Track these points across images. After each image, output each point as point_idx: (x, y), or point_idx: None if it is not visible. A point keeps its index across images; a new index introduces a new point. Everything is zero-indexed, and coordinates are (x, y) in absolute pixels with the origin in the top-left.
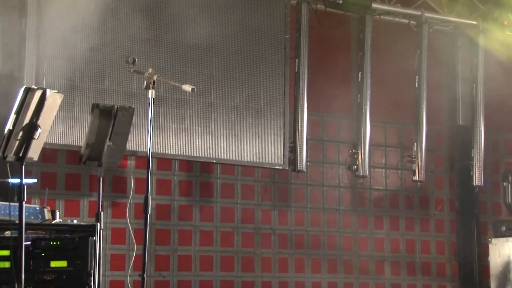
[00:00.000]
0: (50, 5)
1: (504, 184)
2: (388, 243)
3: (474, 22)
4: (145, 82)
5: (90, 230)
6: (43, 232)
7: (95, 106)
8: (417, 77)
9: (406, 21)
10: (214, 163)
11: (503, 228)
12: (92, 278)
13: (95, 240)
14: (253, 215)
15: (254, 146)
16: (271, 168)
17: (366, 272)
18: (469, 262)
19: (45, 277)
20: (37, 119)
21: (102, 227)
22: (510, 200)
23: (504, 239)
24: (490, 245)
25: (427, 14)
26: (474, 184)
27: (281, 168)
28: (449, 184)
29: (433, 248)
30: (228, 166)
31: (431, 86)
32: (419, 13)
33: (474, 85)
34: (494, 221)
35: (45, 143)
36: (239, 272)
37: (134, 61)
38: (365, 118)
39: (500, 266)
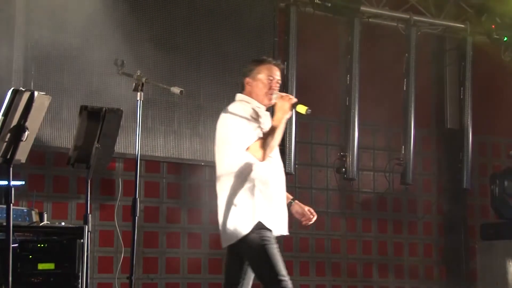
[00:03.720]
0: (38, 6)
1: (492, 187)
2: (376, 245)
3: (462, 26)
4: (134, 84)
5: (78, 232)
6: (31, 235)
7: (83, 108)
8: (405, 80)
9: (395, 24)
10: (203, 165)
11: (491, 231)
12: (80, 281)
13: (83, 242)
14: None
15: None
16: None
17: (354, 275)
18: (457, 265)
19: (32, 279)
20: (25, 121)
21: (90, 230)
22: (497, 203)
23: (492, 242)
24: (477, 248)
25: (415, 17)
26: (462, 187)
27: None
28: (437, 187)
29: (421, 251)
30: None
31: (419, 89)
32: (407, 16)
33: (462, 88)
34: (482, 224)
35: (33, 145)
36: None
37: (122, 63)
38: (354, 121)
39: (487, 269)
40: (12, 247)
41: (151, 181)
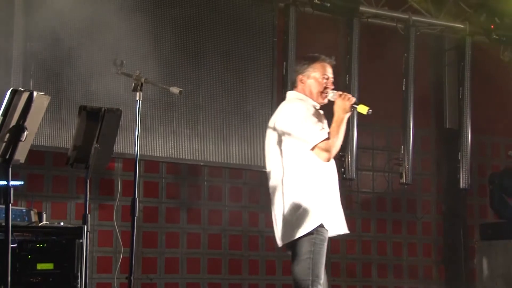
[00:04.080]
0: (37, 6)
1: (491, 187)
2: (375, 245)
3: (461, 26)
4: (133, 84)
5: (77, 232)
6: (30, 235)
7: (82, 108)
8: (404, 80)
9: (394, 24)
10: (202, 165)
11: (490, 231)
12: (79, 281)
13: (81, 242)
14: (240, 217)
15: (242, 148)
16: (258, 170)
17: (353, 274)
18: (456, 265)
19: (31, 279)
20: (24, 121)
21: (89, 230)
22: (496, 203)
23: (491, 241)
24: (476, 248)
25: (414, 17)
26: (461, 187)
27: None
28: (436, 187)
29: (420, 250)
30: (216, 169)
31: (418, 89)
32: (406, 16)
33: (461, 88)
34: (480, 224)
35: (32, 145)
36: (226, 274)
37: (121, 63)
38: (353, 121)
39: (486, 269)
40: (11, 247)
41: (150, 181)
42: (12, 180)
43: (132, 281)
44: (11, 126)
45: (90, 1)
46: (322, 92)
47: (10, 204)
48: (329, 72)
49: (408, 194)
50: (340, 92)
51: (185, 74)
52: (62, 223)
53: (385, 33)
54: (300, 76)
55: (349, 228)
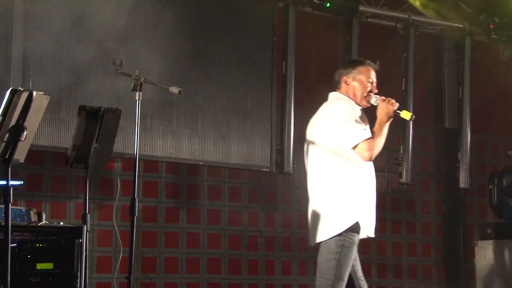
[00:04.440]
0: (36, 6)
1: (490, 187)
2: (375, 245)
3: (461, 25)
4: (132, 84)
5: (76, 232)
6: (29, 234)
7: (81, 108)
8: (403, 80)
9: (393, 24)
10: (201, 165)
11: (489, 231)
12: (79, 280)
13: (81, 242)
14: (240, 217)
15: (241, 148)
16: (258, 170)
17: None
18: (456, 265)
19: (31, 279)
20: (24, 121)
21: (88, 229)
22: (496, 203)
23: (490, 241)
24: (476, 248)
25: (414, 17)
26: (460, 186)
27: (268, 170)
28: (435, 187)
29: (420, 250)
30: (215, 169)
31: (417, 89)
32: (406, 16)
33: (460, 88)
34: (480, 223)
35: (32, 145)
36: (226, 274)
37: (121, 63)
38: None
39: (486, 269)
40: (11, 247)
41: (149, 181)
42: (12, 179)
43: (132, 281)
44: (10, 125)
45: (89, 1)
46: (365, 95)
47: (10, 204)
48: (373, 76)
49: (408, 194)
50: (384, 97)
51: (185, 74)
52: (61, 223)
53: (385, 33)
54: (344, 78)
55: None
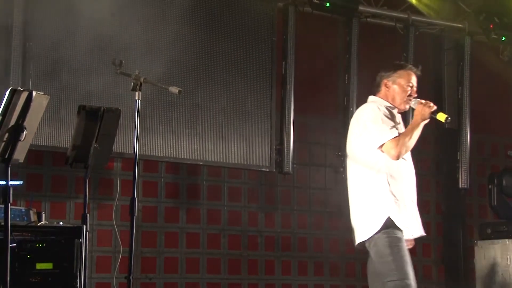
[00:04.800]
0: (36, 6)
1: (490, 186)
2: None
3: (460, 25)
4: (132, 84)
5: (76, 232)
6: (29, 234)
7: (81, 108)
8: None
9: (393, 24)
10: (201, 165)
11: (489, 231)
12: (78, 280)
13: (81, 242)
14: (239, 217)
15: (241, 148)
16: (257, 170)
17: (352, 274)
18: (455, 265)
19: (30, 279)
20: (23, 120)
21: (88, 229)
22: (496, 203)
23: (490, 241)
24: (476, 248)
25: (413, 17)
26: (460, 186)
27: (267, 170)
28: (435, 187)
29: (420, 250)
30: (215, 168)
31: (417, 89)
32: (405, 16)
33: (460, 88)
34: (480, 223)
35: (31, 145)
36: (226, 274)
37: (120, 63)
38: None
39: (485, 269)
40: (10, 247)
41: (149, 180)
42: (11, 179)
43: (131, 280)
44: (10, 125)
45: (88, 0)
46: (405, 99)
47: (9, 204)
48: (414, 80)
49: None
50: (423, 100)
51: (185, 74)
52: (61, 223)
53: (384, 32)
54: (385, 81)
55: (348, 227)
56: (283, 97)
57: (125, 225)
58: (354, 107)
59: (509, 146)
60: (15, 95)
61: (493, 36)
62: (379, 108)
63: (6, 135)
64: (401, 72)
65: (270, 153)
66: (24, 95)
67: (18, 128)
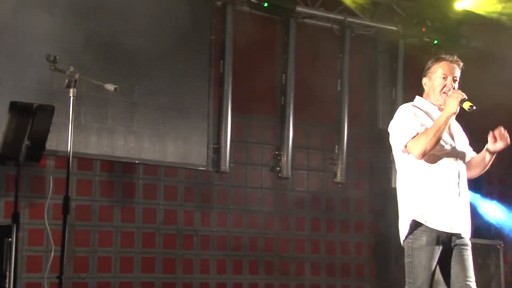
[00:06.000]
0: None
1: None
2: (309, 244)
3: (394, 28)
4: (66, 80)
5: (6, 231)
6: None
7: (13, 104)
8: (339, 80)
9: (330, 25)
10: (137, 163)
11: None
12: (7, 280)
13: (11, 241)
14: (175, 216)
15: (178, 147)
16: (194, 169)
17: (287, 273)
18: (386, 263)
19: None
20: None
21: (19, 228)
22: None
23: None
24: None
25: (349, 19)
26: (393, 186)
27: (204, 169)
28: (369, 186)
29: (353, 249)
30: (151, 167)
31: (352, 90)
32: (342, 17)
33: (393, 89)
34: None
35: None
36: (160, 273)
37: (55, 59)
38: (289, 120)
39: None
40: None
41: (83, 179)
42: None
43: (63, 280)
44: None
45: None
46: (441, 92)
47: None
48: (453, 71)
49: (342, 193)
50: (456, 90)
51: (122, 71)
52: None
53: (321, 33)
54: (423, 79)
55: (283, 226)
56: (220, 96)
57: (58, 224)
58: (291, 107)
59: None
60: None
61: (426, 39)
62: (410, 108)
63: None
64: (435, 66)
65: (207, 152)
66: None
67: None
